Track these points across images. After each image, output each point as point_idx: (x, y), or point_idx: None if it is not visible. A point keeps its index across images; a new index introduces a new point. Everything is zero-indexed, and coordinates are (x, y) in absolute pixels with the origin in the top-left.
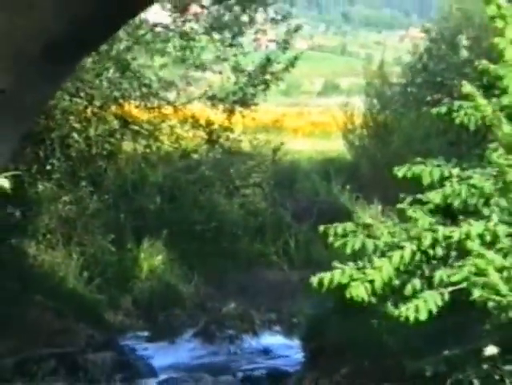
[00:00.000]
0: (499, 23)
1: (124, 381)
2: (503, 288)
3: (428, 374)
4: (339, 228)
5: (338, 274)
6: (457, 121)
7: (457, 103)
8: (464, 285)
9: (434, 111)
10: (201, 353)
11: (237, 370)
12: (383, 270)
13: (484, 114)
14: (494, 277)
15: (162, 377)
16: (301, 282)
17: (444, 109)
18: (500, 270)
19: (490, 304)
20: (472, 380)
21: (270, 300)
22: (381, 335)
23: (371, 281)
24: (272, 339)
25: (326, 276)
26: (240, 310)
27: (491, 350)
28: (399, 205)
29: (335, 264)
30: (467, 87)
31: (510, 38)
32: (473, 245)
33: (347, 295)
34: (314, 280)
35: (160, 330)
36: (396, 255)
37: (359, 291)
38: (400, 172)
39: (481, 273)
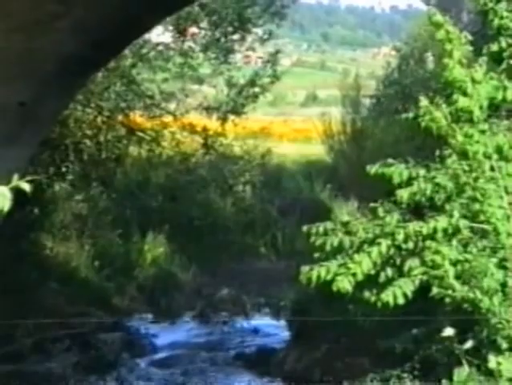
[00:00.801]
0: (447, 46)
1: (131, 358)
2: (457, 285)
3: (398, 351)
4: (320, 227)
5: (323, 271)
6: (423, 125)
7: (422, 111)
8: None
9: (403, 116)
10: (198, 332)
11: (230, 348)
12: (363, 264)
13: (439, 125)
14: (449, 273)
15: (164, 354)
16: (287, 270)
17: (411, 115)
18: (455, 264)
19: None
20: (436, 356)
21: (260, 286)
22: (357, 317)
23: (354, 274)
24: (261, 320)
25: (313, 273)
26: (232, 295)
27: (448, 331)
28: (372, 204)
29: (322, 263)
30: (424, 102)
31: (457, 58)
32: (431, 242)
33: (334, 288)
34: (303, 277)
35: (161, 313)
36: (374, 251)
37: (344, 284)
38: (372, 169)
39: (437, 267)
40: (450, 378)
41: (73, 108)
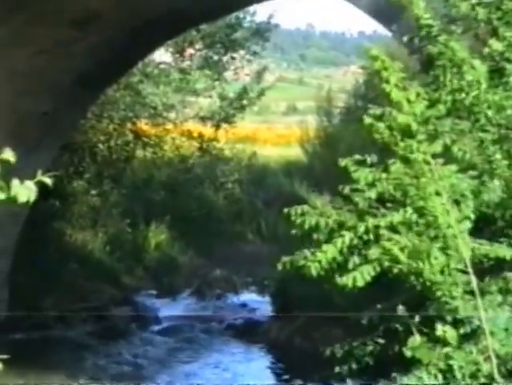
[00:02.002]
0: (384, 73)
1: (138, 328)
2: (403, 258)
3: (364, 323)
4: (299, 209)
5: (297, 258)
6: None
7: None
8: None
9: (367, 122)
10: (194, 307)
11: (222, 320)
12: (328, 253)
13: (382, 136)
14: (397, 252)
15: (166, 324)
16: (270, 254)
17: (369, 120)
18: (402, 249)
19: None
20: (396, 327)
21: (247, 267)
22: (331, 295)
23: (319, 262)
24: (248, 297)
25: (287, 260)
26: (224, 274)
27: (400, 309)
28: (344, 192)
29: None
30: (368, 120)
31: (394, 83)
32: (384, 231)
33: (303, 272)
34: (279, 265)
35: (164, 290)
36: (338, 241)
37: (310, 270)
38: (343, 162)
39: (387, 252)
40: (403, 345)
41: (89, 117)
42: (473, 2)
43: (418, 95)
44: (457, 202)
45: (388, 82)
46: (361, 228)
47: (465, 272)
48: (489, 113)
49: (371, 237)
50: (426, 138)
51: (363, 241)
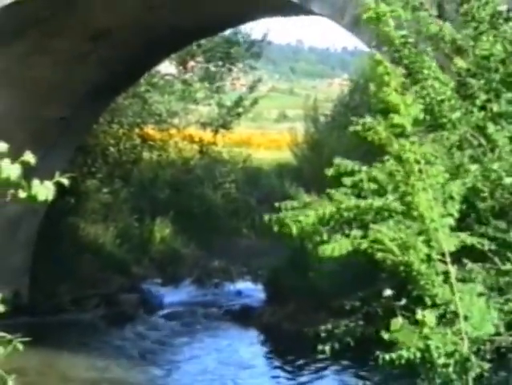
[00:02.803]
0: (385, 77)
1: (145, 313)
2: (396, 250)
3: (347, 308)
4: (289, 204)
5: (282, 215)
6: (367, 137)
7: (367, 125)
8: (369, 249)
9: (351, 129)
10: (195, 294)
11: (220, 306)
12: (310, 217)
13: (380, 136)
14: (389, 244)
15: (170, 309)
16: (263, 247)
17: (358, 127)
18: (392, 240)
19: (388, 262)
20: (376, 310)
21: (243, 259)
22: (318, 283)
23: (300, 222)
24: (244, 285)
25: (274, 217)
26: (222, 265)
27: (388, 292)
28: (328, 190)
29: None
30: (368, 119)
31: (393, 87)
32: (373, 224)
33: (283, 232)
34: (267, 218)
35: (168, 279)
36: (320, 210)
37: (290, 228)
38: (329, 171)
39: (379, 242)
40: (387, 328)
41: (100, 123)
42: (440, 23)
43: (414, 100)
44: (444, 201)
45: (388, 85)
46: (343, 205)
47: (445, 262)
48: (455, 119)
49: (351, 215)
50: (419, 139)
51: (345, 219)
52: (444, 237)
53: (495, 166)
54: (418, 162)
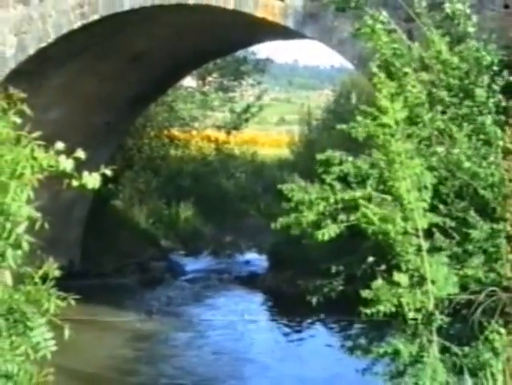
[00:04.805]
0: (378, 86)
1: (171, 277)
2: (376, 220)
3: (333, 272)
4: (289, 186)
5: (287, 221)
6: (353, 135)
7: (351, 125)
8: (355, 221)
9: (339, 128)
10: (211, 263)
11: (231, 272)
12: (308, 217)
13: (369, 130)
14: (372, 216)
15: (191, 275)
16: (267, 226)
17: (344, 127)
18: (374, 214)
19: (369, 231)
20: (359, 274)
21: (250, 235)
22: (311, 254)
23: (301, 224)
24: (251, 256)
25: (282, 221)
26: (233, 240)
27: (371, 259)
28: (322, 176)
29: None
30: (360, 118)
31: (384, 94)
32: (362, 202)
33: (291, 231)
34: (277, 224)
35: (190, 251)
36: (315, 208)
37: (293, 230)
38: (321, 156)
39: (365, 216)
40: (367, 287)
41: (136, 126)
42: (408, 43)
43: (402, 107)
44: (419, 189)
45: (380, 92)
46: (331, 200)
47: (418, 236)
48: (426, 119)
49: (339, 206)
50: (401, 137)
51: (334, 208)
52: (418, 216)
53: (455, 151)
54: (399, 154)
